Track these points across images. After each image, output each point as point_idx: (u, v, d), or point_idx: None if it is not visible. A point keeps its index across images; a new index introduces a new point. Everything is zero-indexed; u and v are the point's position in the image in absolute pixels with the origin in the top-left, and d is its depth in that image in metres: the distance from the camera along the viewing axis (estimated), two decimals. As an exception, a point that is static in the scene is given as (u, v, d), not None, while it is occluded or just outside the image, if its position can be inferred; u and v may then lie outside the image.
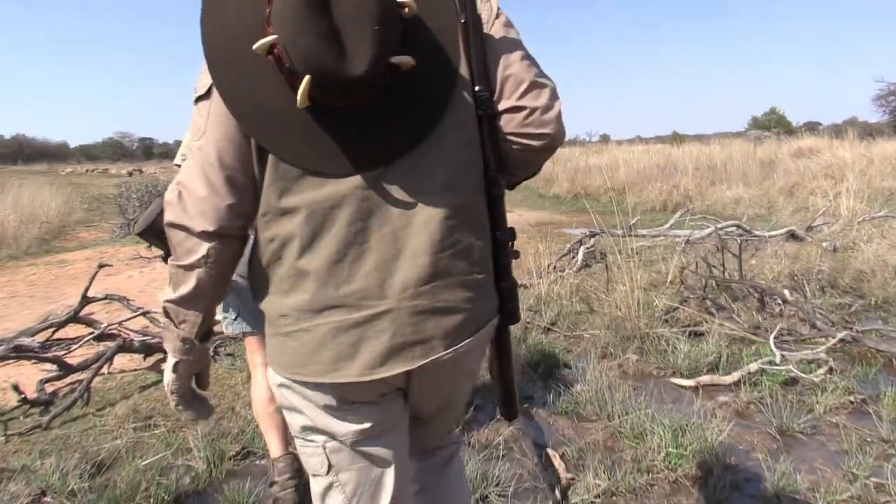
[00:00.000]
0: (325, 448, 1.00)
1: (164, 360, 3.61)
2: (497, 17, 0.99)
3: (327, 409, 0.97)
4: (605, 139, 30.95)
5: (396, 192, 0.91)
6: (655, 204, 10.24)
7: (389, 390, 0.99)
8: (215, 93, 0.89)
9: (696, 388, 2.89)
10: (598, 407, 2.65)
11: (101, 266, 3.84)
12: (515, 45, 0.98)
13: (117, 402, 2.98)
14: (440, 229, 0.92)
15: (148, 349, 3.54)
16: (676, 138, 27.24)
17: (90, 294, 3.74)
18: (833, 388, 2.66)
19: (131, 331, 3.79)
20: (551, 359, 3.29)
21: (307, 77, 0.80)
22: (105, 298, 4.01)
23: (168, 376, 1.03)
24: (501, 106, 0.97)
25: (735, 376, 2.87)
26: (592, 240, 5.85)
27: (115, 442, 2.55)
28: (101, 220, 11.24)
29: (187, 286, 0.94)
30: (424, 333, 0.93)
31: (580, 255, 5.46)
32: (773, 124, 28.71)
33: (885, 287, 4.16)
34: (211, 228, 0.91)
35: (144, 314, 3.93)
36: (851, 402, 2.62)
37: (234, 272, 1.02)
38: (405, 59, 0.85)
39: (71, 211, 11.79)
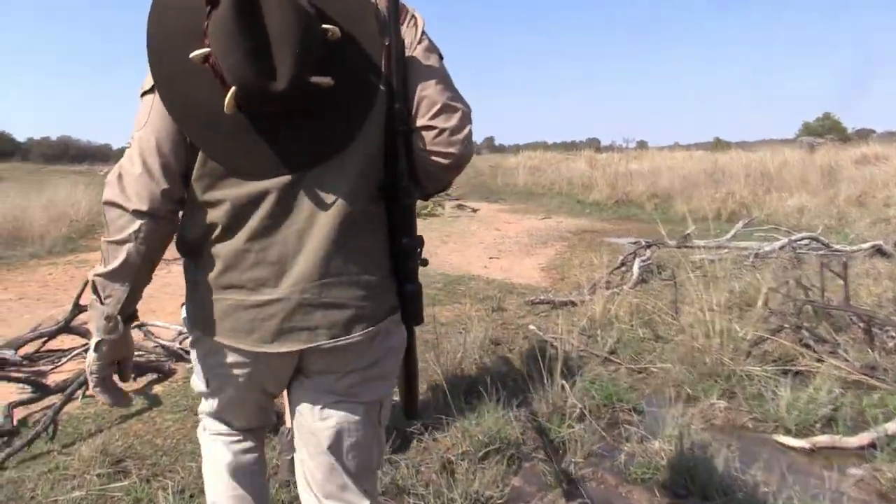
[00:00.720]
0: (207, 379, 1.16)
1: (155, 381, 3.09)
2: (420, 41, 1.05)
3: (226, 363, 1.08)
4: (642, 145, 29.73)
5: (308, 196, 1.00)
6: (708, 212, 9.42)
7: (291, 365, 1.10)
8: None
9: (811, 451, 2.25)
10: (689, 477, 2.03)
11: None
12: (434, 68, 1.05)
13: (88, 437, 2.47)
14: (336, 233, 1.01)
15: (138, 369, 3.05)
16: (719, 145, 26.07)
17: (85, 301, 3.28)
18: None
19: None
20: (616, 401, 2.68)
21: (233, 88, 0.88)
22: (97, 308, 3.53)
23: (90, 355, 1.09)
24: (416, 124, 1.04)
25: (865, 438, 2.22)
26: (648, 251, 5.20)
27: (73, 494, 2.05)
28: (129, 219, 10.95)
29: (117, 260, 1.02)
30: (311, 322, 1.03)
31: (636, 269, 4.81)
32: (826, 130, 27.13)
33: None
34: (144, 208, 0.99)
35: (139, 326, 3.44)
36: None
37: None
38: (324, 80, 0.91)
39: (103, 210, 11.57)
